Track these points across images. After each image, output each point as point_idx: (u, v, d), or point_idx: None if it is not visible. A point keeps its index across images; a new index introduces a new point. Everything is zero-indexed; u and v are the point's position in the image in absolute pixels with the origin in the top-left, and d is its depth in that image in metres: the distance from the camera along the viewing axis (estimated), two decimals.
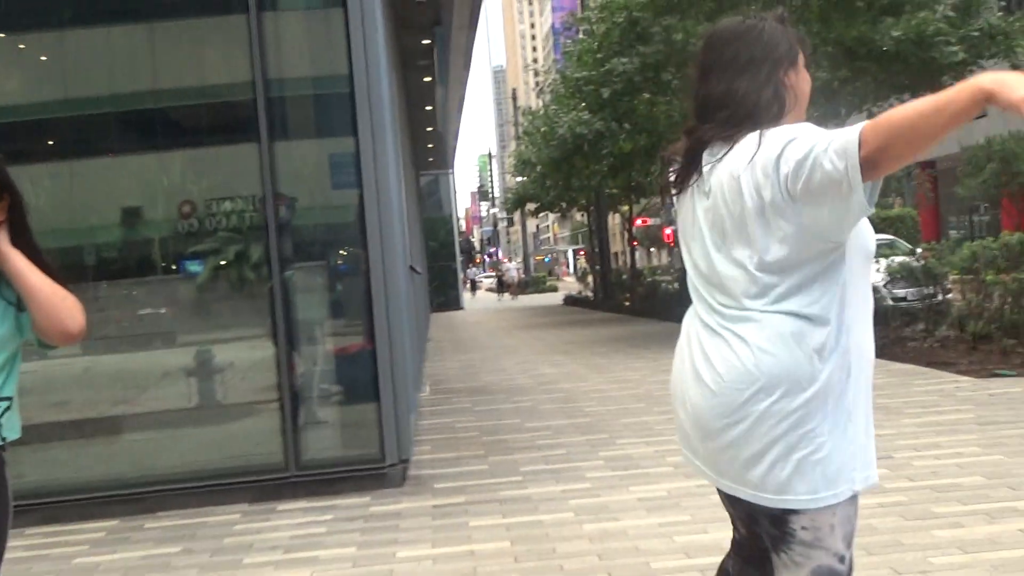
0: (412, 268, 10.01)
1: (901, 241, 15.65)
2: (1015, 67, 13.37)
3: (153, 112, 6.28)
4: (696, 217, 2.17)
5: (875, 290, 12.06)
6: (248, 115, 5.85)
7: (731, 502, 2.23)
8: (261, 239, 5.86)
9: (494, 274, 48.86)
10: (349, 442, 6.13)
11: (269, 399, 5.94)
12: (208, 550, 4.84)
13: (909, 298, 11.48)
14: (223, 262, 6.07)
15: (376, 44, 5.85)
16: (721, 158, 2.11)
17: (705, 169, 2.14)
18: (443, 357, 14.83)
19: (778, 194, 1.98)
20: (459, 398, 9.76)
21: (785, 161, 1.96)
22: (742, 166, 2.05)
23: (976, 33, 12.53)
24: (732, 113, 2.11)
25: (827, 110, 14.56)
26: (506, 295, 45.55)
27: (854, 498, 2.14)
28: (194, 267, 6.09)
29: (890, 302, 11.68)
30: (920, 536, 4.27)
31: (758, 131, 2.05)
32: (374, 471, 5.85)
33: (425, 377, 11.81)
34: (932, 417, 6.93)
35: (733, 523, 2.36)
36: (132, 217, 6.21)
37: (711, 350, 2.12)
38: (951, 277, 11.52)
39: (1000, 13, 13.54)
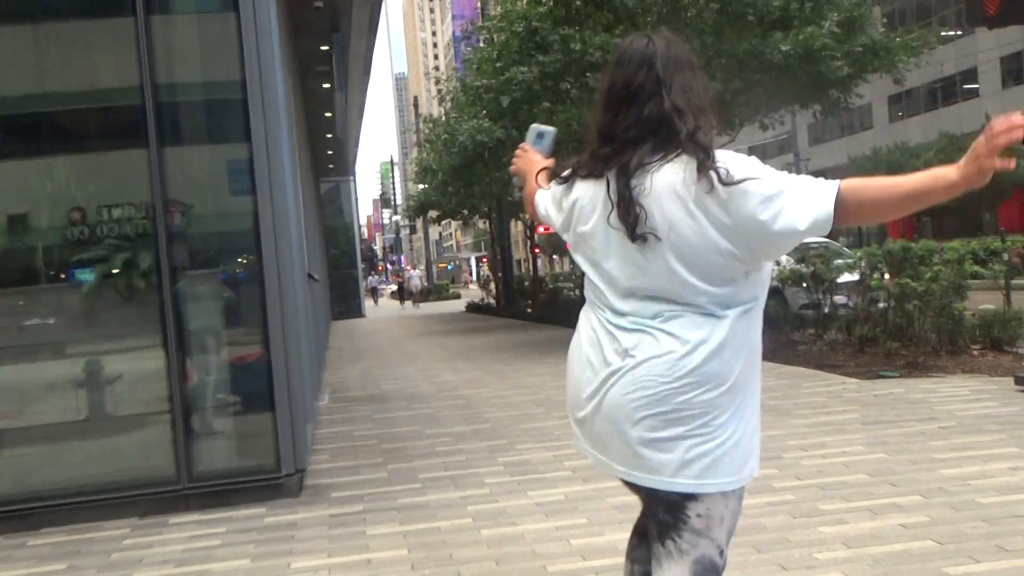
0: (311, 275, 9.88)
1: (836, 244, 15.75)
2: (896, 80, 13.87)
3: (40, 116, 6.07)
4: (611, 226, 2.24)
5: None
6: (137, 120, 5.70)
7: (635, 489, 2.33)
8: (152, 247, 5.72)
9: (395, 281, 48.29)
10: (244, 452, 6.01)
11: (160, 410, 5.79)
12: (95, 566, 4.69)
13: (850, 304, 11.61)
14: (114, 271, 5.90)
15: (270, 49, 5.77)
16: (648, 170, 2.19)
17: (634, 181, 2.21)
18: (344, 365, 14.68)
19: (739, 222, 2.10)
20: (359, 406, 9.68)
21: (751, 196, 2.09)
22: (686, 182, 2.14)
23: (860, 49, 12.97)
24: (678, 129, 2.20)
25: (721, 120, 14.92)
26: (408, 303, 45.29)
27: (742, 494, 2.26)
28: (84, 275, 5.91)
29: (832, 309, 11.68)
30: (807, 533, 4.39)
31: (702, 151, 2.15)
32: (270, 481, 5.76)
33: (325, 385, 11.67)
34: (820, 418, 7.13)
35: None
36: (18, 224, 6.00)
37: (631, 344, 2.21)
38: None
39: (883, 30, 14.05)
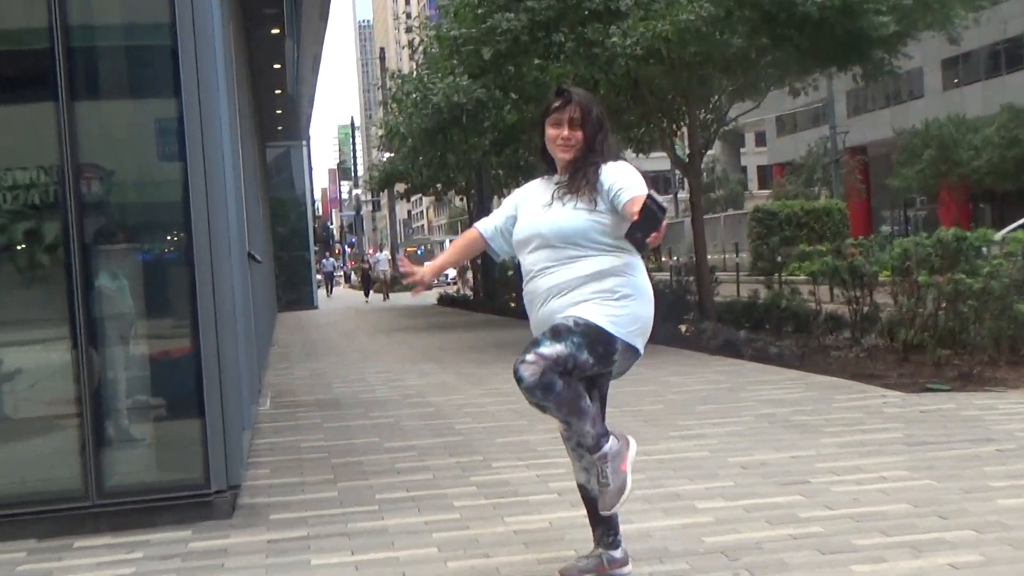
0: (251, 256, 9.83)
1: None
2: (952, 39, 13.87)
3: None
4: None
5: None
6: (44, 68, 5.63)
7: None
8: (59, 217, 5.66)
9: (352, 266, 45.30)
10: (167, 464, 5.97)
11: (68, 413, 5.74)
12: None
13: None
14: (20, 246, 5.85)
15: None
16: None
17: None
18: (291, 364, 14.65)
19: None
20: (306, 413, 9.65)
21: None
22: None
23: (909, 2, 12.89)
24: None
25: (744, 83, 14.90)
26: (375, 293, 43.13)
27: None
28: None
29: None
30: (837, 572, 4.39)
31: None
32: (197, 499, 5.72)
33: (266, 388, 11.63)
34: (855, 436, 7.14)
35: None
36: None
37: None
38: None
39: None
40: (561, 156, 4.25)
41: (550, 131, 4.25)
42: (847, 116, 57.60)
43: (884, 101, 57.38)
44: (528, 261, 4.29)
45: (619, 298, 4.12)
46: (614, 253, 4.15)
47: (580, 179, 4.19)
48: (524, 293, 4.40)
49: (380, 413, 9.38)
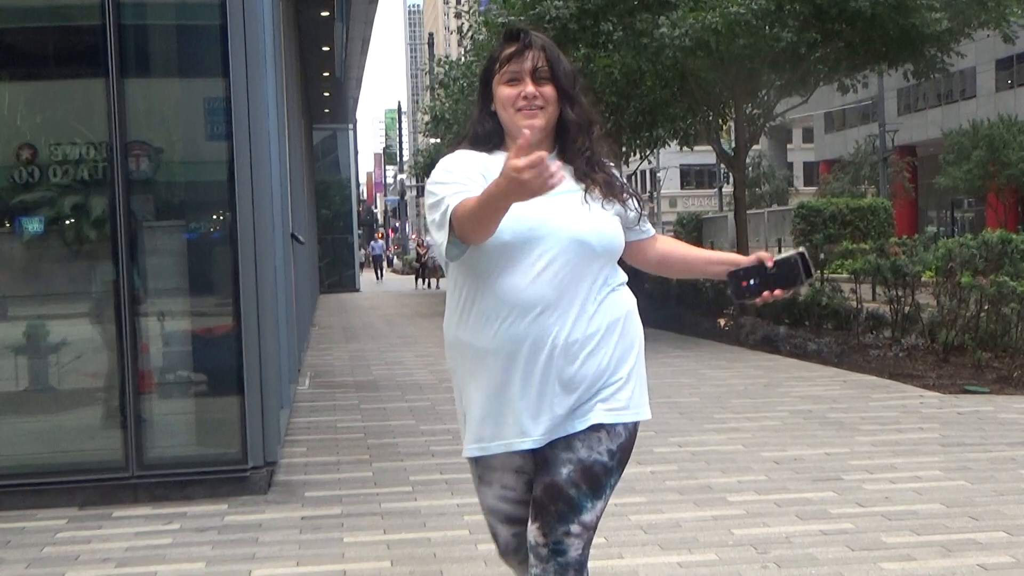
0: (294, 237, 9.92)
1: None
2: (1007, 38, 13.72)
3: None
4: None
5: None
6: (95, 44, 5.72)
7: None
8: (106, 192, 5.75)
9: (395, 251, 42.56)
10: (205, 439, 6.07)
11: (110, 385, 5.84)
12: (24, 560, 4.76)
13: None
14: (68, 220, 5.94)
15: None
16: None
17: None
18: (329, 345, 14.76)
19: None
20: (344, 394, 9.73)
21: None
22: None
23: None
24: None
25: (793, 78, 14.82)
26: (430, 280, 40.04)
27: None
28: (32, 224, 5.93)
29: None
30: (866, 569, 4.39)
31: None
32: (234, 474, 5.81)
33: (305, 368, 11.74)
34: (890, 435, 7.11)
35: None
36: None
37: None
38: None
39: None
40: (526, 124, 2.74)
41: (504, 91, 2.82)
42: (897, 114, 56.94)
43: (935, 100, 56.68)
44: (530, 284, 2.70)
45: (638, 354, 2.88)
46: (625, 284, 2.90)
47: (597, 170, 2.88)
48: (497, 332, 2.73)
49: (417, 396, 9.45)
